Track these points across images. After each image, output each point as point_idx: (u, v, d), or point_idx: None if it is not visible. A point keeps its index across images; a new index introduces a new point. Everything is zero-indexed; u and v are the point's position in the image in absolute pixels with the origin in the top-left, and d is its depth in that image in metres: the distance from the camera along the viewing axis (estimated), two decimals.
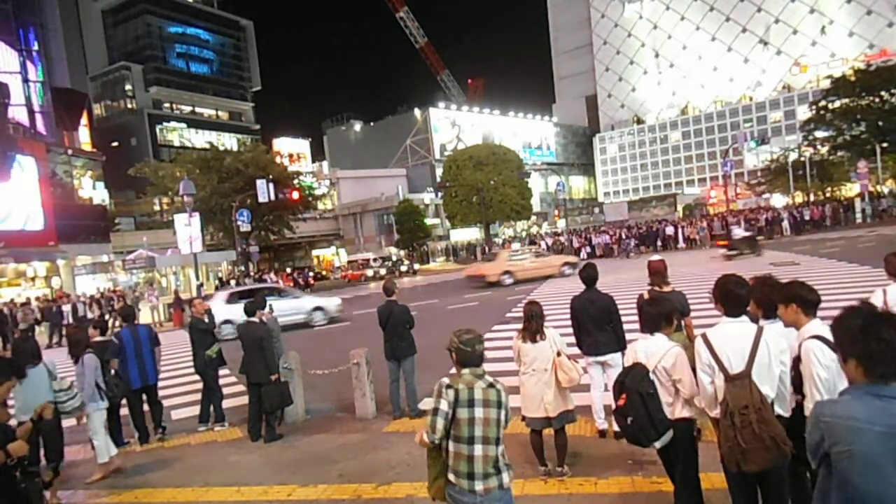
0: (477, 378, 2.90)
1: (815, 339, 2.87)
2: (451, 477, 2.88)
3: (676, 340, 5.06)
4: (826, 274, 14.95)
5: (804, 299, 3.00)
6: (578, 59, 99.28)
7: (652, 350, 3.49)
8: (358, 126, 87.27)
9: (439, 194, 53.42)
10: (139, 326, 7.52)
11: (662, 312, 3.60)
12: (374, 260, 42.23)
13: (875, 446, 1.87)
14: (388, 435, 6.44)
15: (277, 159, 48.15)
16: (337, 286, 37.23)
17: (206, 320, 7.91)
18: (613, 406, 3.64)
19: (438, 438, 2.87)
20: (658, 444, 3.42)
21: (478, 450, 2.82)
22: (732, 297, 3.15)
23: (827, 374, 2.79)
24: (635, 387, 3.39)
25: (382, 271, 38.71)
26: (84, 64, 59.70)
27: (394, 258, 43.75)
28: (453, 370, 3.02)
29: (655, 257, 5.92)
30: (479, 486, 2.81)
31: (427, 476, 3.05)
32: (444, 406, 2.84)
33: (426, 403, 6.64)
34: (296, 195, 36.68)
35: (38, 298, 24.72)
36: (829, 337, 2.87)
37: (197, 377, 7.95)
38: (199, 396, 7.85)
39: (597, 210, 72.96)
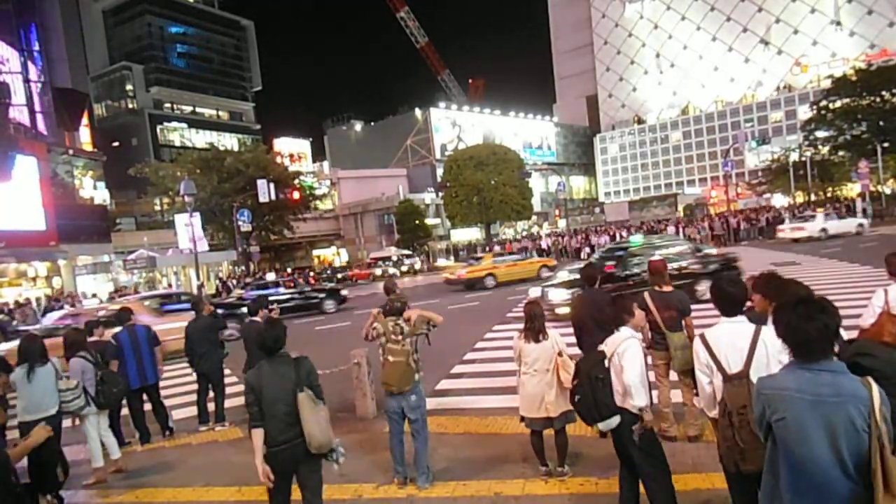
0: (391, 320, 4.95)
1: None
2: (390, 357, 4.92)
3: (677, 340, 5.10)
4: (827, 274, 14.94)
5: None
6: (579, 58, 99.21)
7: (613, 340, 3.69)
8: (358, 126, 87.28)
9: (440, 194, 53.43)
10: (137, 327, 7.50)
11: (622, 310, 3.81)
12: (388, 258, 41.90)
13: (805, 413, 2.10)
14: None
15: (278, 159, 48.22)
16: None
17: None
18: (571, 386, 3.96)
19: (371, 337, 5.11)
20: (602, 427, 3.68)
21: (391, 357, 4.92)
22: (726, 295, 3.16)
23: None
24: (587, 370, 3.68)
25: (391, 270, 38.75)
26: (85, 64, 59.63)
27: (406, 256, 43.62)
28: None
29: (655, 257, 5.92)
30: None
31: (402, 378, 4.91)
32: (374, 334, 5.06)
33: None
34: (296, 195, 36.71)
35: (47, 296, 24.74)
36: None
37: (194, 377, 7.94)
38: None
39: (597, 210, 73.00)
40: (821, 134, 45.04)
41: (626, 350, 3.56)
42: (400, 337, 4.89)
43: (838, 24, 76.75)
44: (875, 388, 2.13)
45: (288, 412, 3.60)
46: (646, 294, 5.29)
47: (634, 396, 3.48)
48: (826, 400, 2.07)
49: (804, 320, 2.14)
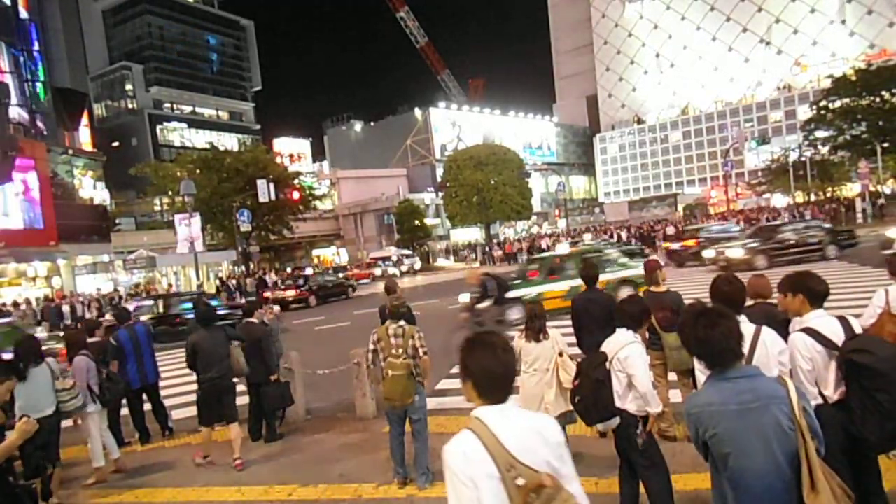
0: (392, 323, 4.94)
1: (801, 332, 2.91)
2: (390, 371, 4.82)
3: (671, 341, 5.10)
4: (827, 274, 14.88)
5: (812, 290, 3.02)
6: (579, 58, 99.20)
7: (614, 342, 3.65)
8: (358, 126, 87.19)
9: (440, 194, 53.42)
10: (137, 326, 7.49)
11: (633, 312, 3.79)
12: (388, 258, 41.95)
13: (735, 425, 2.07)
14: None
15: (278, 159, 48.14)
16: None
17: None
18: (571, 386, 3.94)
19: (372, 362, 5.08)
20: (601, 428, 3.70)
21: (391, 371, 4.82)
22: (722, 295, 3.17)
23: (809, 365, 2.84)
24: (589, 371, 3.66)
25: (391, 270, 38.78)
26: (84, 64, 59.62)
27: (406, 256, 43.75)
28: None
29: (652, 257, 5.92)
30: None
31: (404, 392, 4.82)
32: (371, 346, 5.01)
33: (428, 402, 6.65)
34: (296, 195, 36.68)
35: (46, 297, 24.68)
36: (821, 329, 2.88)
37: (193, 377, 7.91)
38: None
39: (597, 210, 73.03)
40: (821, 134, 44.95)
41: (627, 357, 3.50)
42: (399, 342, 4.83)
43: (843, 22, 76.46)
44: (790, 384, 2.16)
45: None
46: (642, 294, 5.29)
47: (651, 403, 3.46)
48: (750, 406, 2.06)
49: (709, 329, 2.14)
